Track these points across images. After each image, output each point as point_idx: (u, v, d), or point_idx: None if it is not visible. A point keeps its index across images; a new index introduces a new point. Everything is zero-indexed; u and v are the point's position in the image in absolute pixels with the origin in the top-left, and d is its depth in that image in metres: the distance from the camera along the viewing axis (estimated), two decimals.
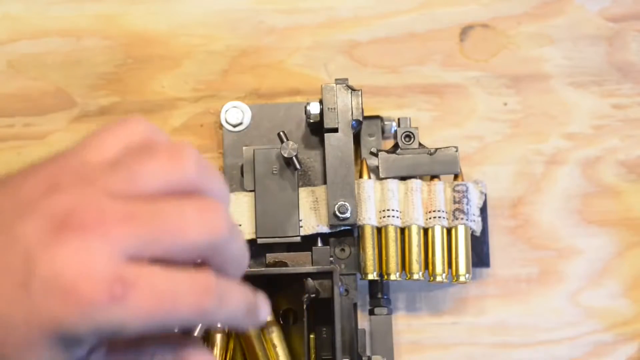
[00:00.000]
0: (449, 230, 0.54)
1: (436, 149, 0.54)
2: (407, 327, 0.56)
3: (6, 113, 0.57)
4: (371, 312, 0.54)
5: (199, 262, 0.39)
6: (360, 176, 0.54)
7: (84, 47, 0.58)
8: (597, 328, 0.56)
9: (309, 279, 0.50)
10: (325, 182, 0.53)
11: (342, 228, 0.53)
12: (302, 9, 0.58)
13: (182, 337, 0.41)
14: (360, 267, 0.53)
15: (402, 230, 0.54)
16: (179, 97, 0.58)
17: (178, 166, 0.38)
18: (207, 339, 0.52)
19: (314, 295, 0.50)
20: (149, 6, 0.58)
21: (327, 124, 0.53)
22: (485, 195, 0.55)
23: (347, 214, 0.52)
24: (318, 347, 0.52)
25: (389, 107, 0.58)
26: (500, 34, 0.58)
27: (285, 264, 0.53)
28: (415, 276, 0.53)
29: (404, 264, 0.54)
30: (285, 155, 0.52)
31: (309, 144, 0.56)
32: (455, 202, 0.54)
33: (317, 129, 0.55)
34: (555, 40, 0.58)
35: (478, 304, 0.56)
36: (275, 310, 0.53)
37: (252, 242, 0.52)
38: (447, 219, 0.54)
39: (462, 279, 0.53)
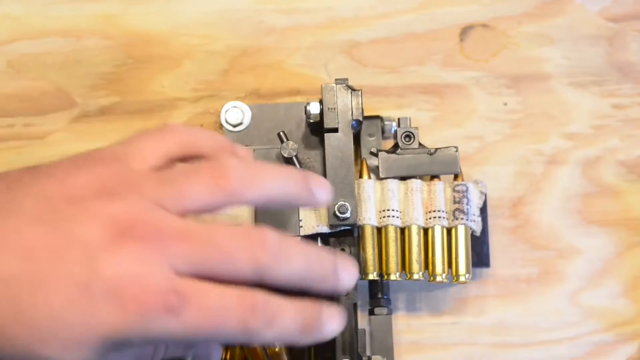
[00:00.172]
0: (449, 230, 0.54)
1: (436, 149, 0.54)
2: (407, 327, 0.56)
3: (6, 113, 0.57)
4: (371, 312, 0.54)
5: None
6: (360, 176, 0.54)
7: (84, 47, 0.58)
8: (597, 328, 0.56)
9: None
10: None
11: (342, 228, 0.53)
12: (302, 9, 0.58)
13: None
14: (360, 267, 0.53)
15: (402, 230, 0.54)
16: (179, 97, 0.58)
17: (221, 186, 0.39)
18: None
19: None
20: (149, 6, 0.58)
21: (327, 124, 0.53)
22: (485, 195, 0.55)
23: (347, 214, 0.52)
24: (318, 347, 0.52)
25: (389, 107, 0.58)
26: (500, 34, 0.58)
27: None
28: (415, 276, 0.53)
29: (404, 264, 0.54)
30: (285, 155, 0.52)
31: (309, 144, 0.56)
32: (455, 202, 0.54)
33: (317, 129, 0.55)
34: (555, 40, 0.58)
35: (478, 304, 0.56)
36: None
37: None
38: (447, 219, 0.54)
39: (462, 279, 0.53)
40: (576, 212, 0.57)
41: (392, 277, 0.53)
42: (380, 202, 0.54)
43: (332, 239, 0.54)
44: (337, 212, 0.52)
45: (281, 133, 0.53)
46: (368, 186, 0.53)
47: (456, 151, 0.54)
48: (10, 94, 0.58)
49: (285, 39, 0.58)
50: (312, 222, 0.53)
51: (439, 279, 0.53)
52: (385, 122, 0.56)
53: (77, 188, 0.38)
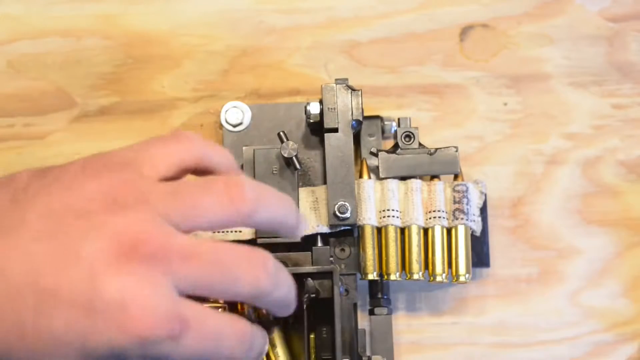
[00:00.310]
0: (449, 230, 0.54)
1: (436, 149, 0.54)
2: (407, 327, 0.56)
3: (6, 113, 0.57)
4: (371, 312, 0.54)
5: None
6: (360, 176, 0.54)
7: (84, 47, 0.58)
8: (597, 328, 0.56)
9: (309, 279, 0.50)
10: (325, 182, 0.53)
11: (342, 228, 0.53)
12: (302, 9, 0.58)
13: None
14: (360, 267, 0.53)
15: (402, 230, 0.54)
16: (179, 97, 0.58)
17: (236, 205, 0.40)
18: None
19: (314, 295, 0.50)
20: (149, 6, 0.58)
21: (327, 124, 0.53)
22: (485, 195, 0.55)
23: (347, 214, 0.52)
24: (318, 347, 0.52)
25: (389, 107, 0.58)
26: (500, 34, 0.58)
27: (285, 264, 0.53)
28: (415, 276, 0.53)
29: (404, 264, 0.54)
30: (285, 155, 0.52)
31: (309, 144, 0.56)
32: (455, 202, 0.54)
33: (317, 129, 0.55)
34: (555, 40, 0.58)
35: (478, 304, 0.56)
36: None
37: (252, 242, 0.52)
38: (447, 219, 0.54)
39: (462, 279, 0.53)
40: (576, 212, 0.57)
41: (392, 277, 0.53)
42: (380, 202, 0.54)
43: (332, 239, 0.54)
44: (337, 212, 0.52)
45: (281, 133, 0.53)
46: (368, 186, 0.53)
47: (456, 151, 0.54)
48: (10, 94, 0.58)
49: (285, 39, 0.58)
50: (312, 222, 0.53)
51: (439, 279, 0.53)
52: (385, 122, 0.56)
53: (85, 199, 0.38)
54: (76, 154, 0.56)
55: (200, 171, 0.42)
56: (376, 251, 0.53)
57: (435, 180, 0.54)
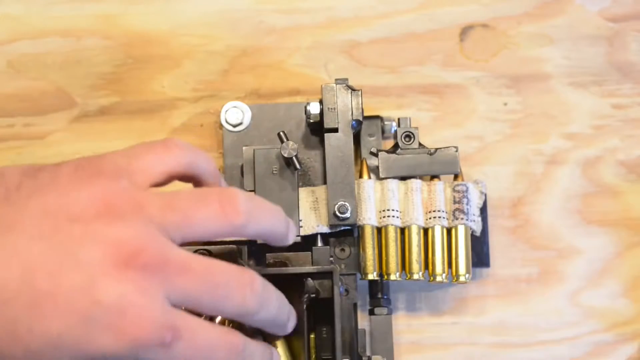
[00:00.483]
0: (449, 230, 0.54)
1: (436, 149, 0.54)
2: (407, 327, 0.56)
3: (6, 113, 0.57)
4: (371, 312, 0.54)
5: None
6: (360, 176, 0.54)
7: (84, 47, 0.58)
8: (597, 328, 0.56)
9: (309, 279, 0.50)
10: (325, 182, 0.53)
11: (342, 228, 0.53)
12: (302, 9, 0.58)
13: None
14: (360, 267, 0.53)
15: (402, 230, 0.54)
16: (179, 97, 0.58)
17: (229, 218, 0.40)
18: None
19: (314, 295, 0.50)
20: (149, 6, 0.58)
21: (327, 124, 0.53)
22: (485, 195, 0.55)
23: (347, 214, 0.52)
24: (318, 347, 0.52)
25: (389, 107, 0.58)
26: (500, 34, 0.58)
27: (285, 264, 0.53)
28: (415, 276, 0.53)
29: (404, 264, 0.54)
30: (285, 155, 0.52)
31: (309, 144, 0.56)
32: (455, 202, 0.54)
33: (317, 129, 0.55)
34: (555, 40, 0.58)
35: (478, 304, 0.56)
36: None
37: (252, 242, 0.52)
38: (447, 219, 0.54)
39: (462, 279, 0.53)
40: (576, 212, 0.57)
41: (392, 277, 0.53)
42: (380, 202, 0.54)
43: (332, 239, 0.54)
44: (337, 212, 0.52)
45: (281, 133, 0.53)
46: (368, 186, 0.53)
47: (456, 151, 0.54)
48: (10, 94, 0.58)
49: (285, 39, 0.58)
50: (312, 222, 0.53)
51: (439, 279, 0.53)
52: (385, 122, 0.56)
53: (79, 205, 0.38)
54: (76, 154, 0.56)
55: (187, 178, 0.43)
56: (376, 251, 0.53)
57: (435, 180, 0.54)
